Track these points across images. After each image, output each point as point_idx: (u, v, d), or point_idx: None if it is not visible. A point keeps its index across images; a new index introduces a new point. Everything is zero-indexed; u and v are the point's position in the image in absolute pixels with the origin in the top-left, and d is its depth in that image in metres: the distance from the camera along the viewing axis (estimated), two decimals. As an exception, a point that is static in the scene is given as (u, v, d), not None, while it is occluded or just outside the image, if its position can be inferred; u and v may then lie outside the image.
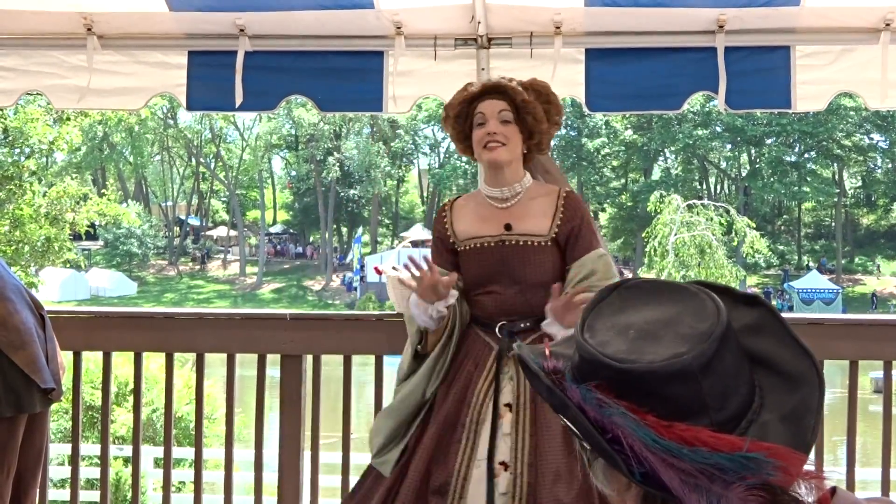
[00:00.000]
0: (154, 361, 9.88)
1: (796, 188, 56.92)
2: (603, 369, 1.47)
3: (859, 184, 63.21)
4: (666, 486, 1.40)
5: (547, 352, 1.57)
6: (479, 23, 4.62)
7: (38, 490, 4.29)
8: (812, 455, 1.52)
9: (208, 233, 68.83)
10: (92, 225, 20.04)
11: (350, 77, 4.82)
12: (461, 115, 3.81)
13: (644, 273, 27.34)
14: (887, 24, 4.52)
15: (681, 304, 1.52)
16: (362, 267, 53.91)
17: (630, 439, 1.41)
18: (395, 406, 3.80)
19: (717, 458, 1.38)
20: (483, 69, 4.72)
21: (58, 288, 46.38)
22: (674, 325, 1.49)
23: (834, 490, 1.48)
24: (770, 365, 1.53)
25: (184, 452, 9.81)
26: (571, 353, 1.54)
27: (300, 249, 67.07)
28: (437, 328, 3.77)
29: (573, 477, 3.43)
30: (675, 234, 23.34)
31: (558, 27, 4.62)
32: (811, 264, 59.65)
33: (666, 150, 60.96)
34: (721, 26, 4.56)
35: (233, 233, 66.86)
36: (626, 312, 1.53)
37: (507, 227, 3.72)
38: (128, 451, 8.89)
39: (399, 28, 4.68)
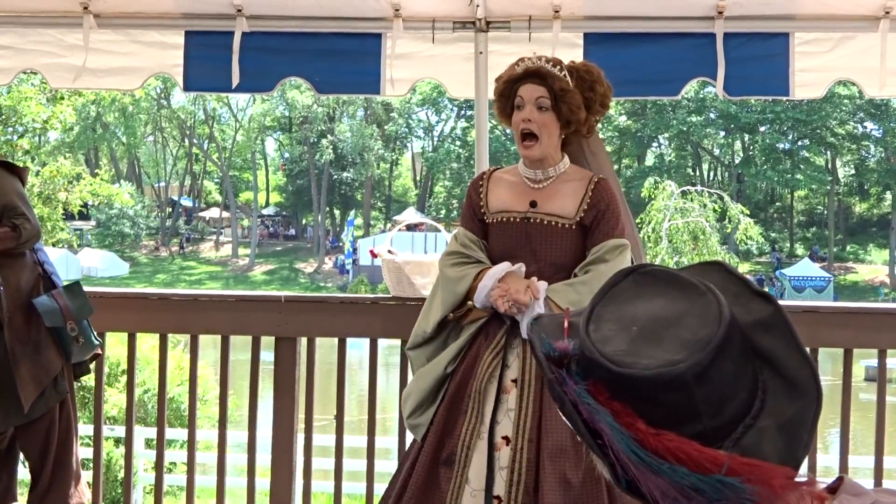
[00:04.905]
0: (145, 342, 9.85)
1: (789, 176, 56.82)
2: (599, 368, 1.47)
3: (852, 172, 63.16)
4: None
5: (565, 324, 1.55)
6: (477, 6, 4.60)
7: None
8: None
9: (201, 214, 68.59)
10: (84, 205, 19.95)
11: (348, 59, 4.81)
12: (505, 94, 3.79)
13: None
14: (887, 13, 4.52)
15: (687, 303, 1.50)
16: (355, 250, 53.79)
17: (615, 448, 1.42)
18: (424, 371, 3.82)
19: (694, 479, 1.38)
20: (481, 53, 4.72)
21: (49, 268, 46.18)
22: (676, 326, 1.48)
23: (841, 479, 1.48)
24: (776, 367, 1.52)
25: (174, 433, 9.79)
26: None
27: (293, 231, 66.95)
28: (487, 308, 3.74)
29: (579, 457, 3.45)
30: (669, 221, 23.26)
31: (557, 11, 4.61)
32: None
33: (660, 136, 60.83)
34: (720, 12, 4.56)
35: (225, 214, 66.69)
36: (636, 302, 1.52)
37: (533, 203, 3.74)
38: (119, 431, 8.90)
39: (397, 10, 4.67)
